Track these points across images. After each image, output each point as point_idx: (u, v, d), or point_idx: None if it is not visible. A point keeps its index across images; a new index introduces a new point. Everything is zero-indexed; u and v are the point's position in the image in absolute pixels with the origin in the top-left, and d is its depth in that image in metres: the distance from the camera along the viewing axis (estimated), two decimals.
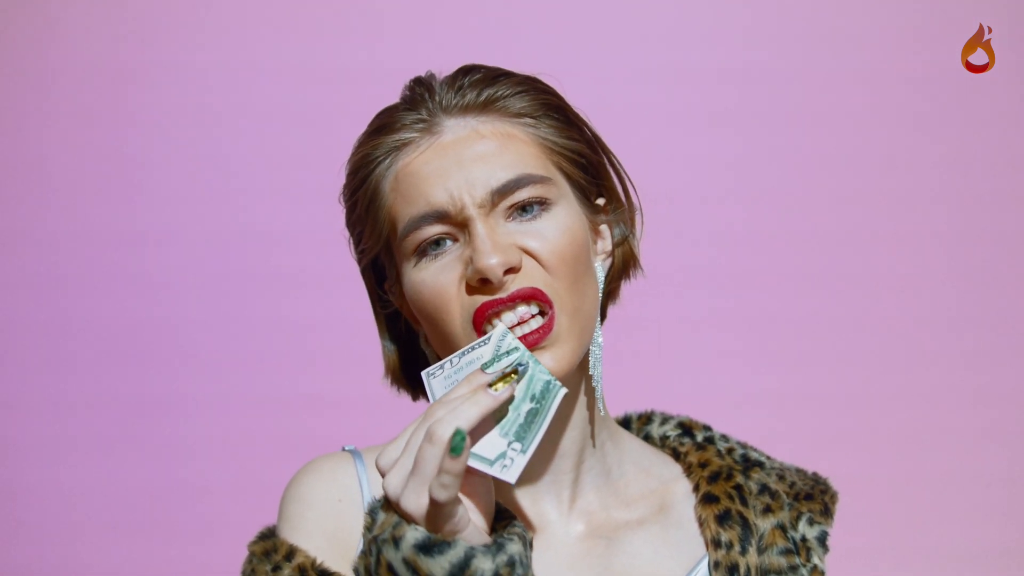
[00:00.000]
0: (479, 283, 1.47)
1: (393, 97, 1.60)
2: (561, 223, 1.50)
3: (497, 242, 1.47)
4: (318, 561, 1.51)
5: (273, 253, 2.70)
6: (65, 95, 2.70)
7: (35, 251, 2.71)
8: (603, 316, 1.60)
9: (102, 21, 2.68)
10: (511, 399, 1.41)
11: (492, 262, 1.46)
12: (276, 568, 1.52)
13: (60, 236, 2.71)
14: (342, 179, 1.60)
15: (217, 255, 2.71)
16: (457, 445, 1.34)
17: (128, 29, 2.68)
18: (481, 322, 1.47)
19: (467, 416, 1.36)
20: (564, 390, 1.42)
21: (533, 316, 1.48)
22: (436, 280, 1.49)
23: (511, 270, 1.47)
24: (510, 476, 1.38)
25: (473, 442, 1.39)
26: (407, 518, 1.38)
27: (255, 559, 1.54)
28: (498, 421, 1.41)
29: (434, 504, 1.35)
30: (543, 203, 1.50)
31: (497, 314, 1.47)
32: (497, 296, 1.47)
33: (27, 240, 2.71)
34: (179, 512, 2.69)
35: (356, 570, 1.42)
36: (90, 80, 2.70)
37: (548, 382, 1.42)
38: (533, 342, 1.46)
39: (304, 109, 2.70)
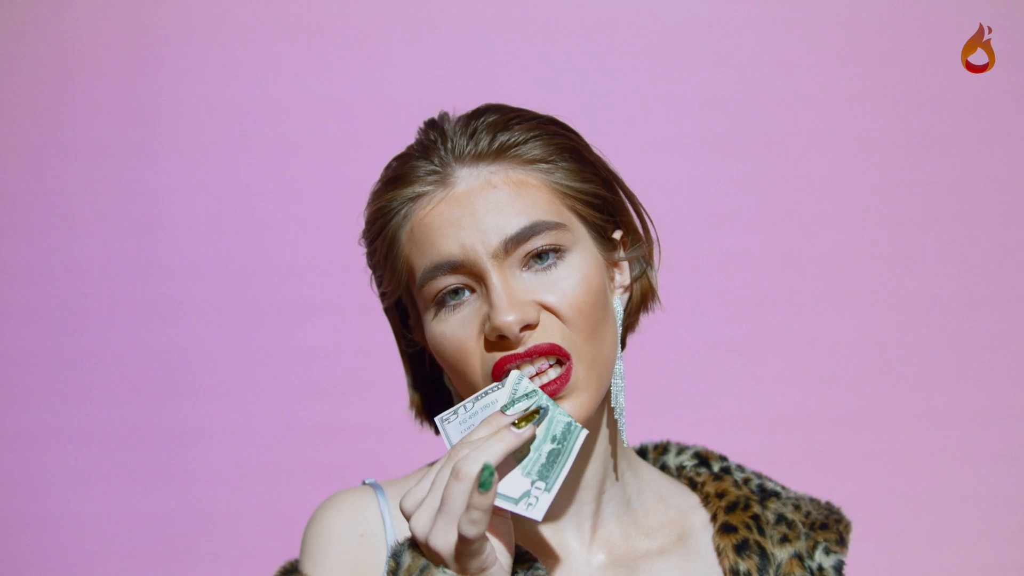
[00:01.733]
0: (497, 338, 1.49)
1: (408, 133, 1.61)
2: (577, 272, 1.51)
3: (514, 297, 1.48)
4: None
5: (289, 283, 2.70)
6: (88, 128, 2.69)
7: (53, 282, 2.71)
8: (623, 345, 1.61)
9: (127, 54, 2.68)
10: (533, 438, 1.43)
11: (509, 319, 1.47)
12: None
13: (78, 267, 2.71)
14: (359, 210, 1.61)
15: (233, 285, 2.71)
16: (486, 480, 1.36)
17: (152, 62, 2.68)
18: (500, 376, 1.49)
19: (492, 453, 1.38)
20: (585, 432, 1.44)
21: (551, 366, 1.49)
22: (456, 335, 1.51)
23: (528, 326, 1.49)
24: (536, 514, 1.41)
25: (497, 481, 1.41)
26: (435, 557, 1.39)
27: None
28: (519, 461, 1.43)
29: (463, 541, 1.37)
30: (558, 250, 1.51)
31: (517, 367, 1.49)
32: (515, 351, 1.48)
33: (46, 271, 2.71)
34: (193, 541, 2.69)
35: None
36: (112, 113, 2.70)
37: (568, 423, 1.44)
38: (552, 392, 1.48)
39: (321, 142, 2.70)
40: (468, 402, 1.48)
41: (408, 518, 1.41)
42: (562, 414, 1.44)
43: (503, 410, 1.44)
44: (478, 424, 1.45)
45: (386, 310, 1.64)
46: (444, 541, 1.38)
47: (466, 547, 1.38)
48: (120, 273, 2.71)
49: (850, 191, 2.70)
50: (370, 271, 1.62)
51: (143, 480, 2.70)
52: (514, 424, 1.42)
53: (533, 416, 1.43)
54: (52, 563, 2.70)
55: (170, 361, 2.71)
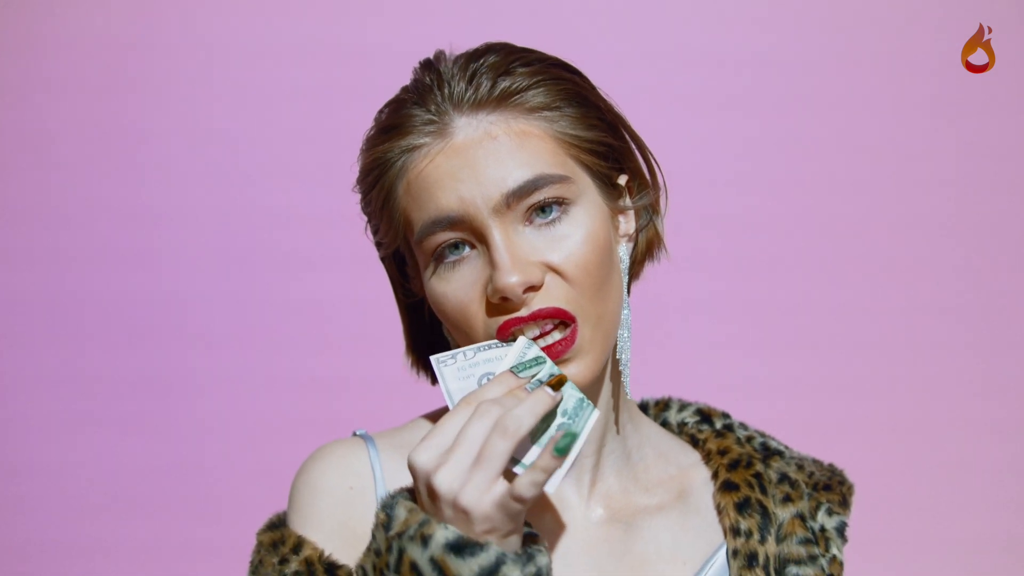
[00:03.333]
0: (500, 300, 1.44)
1: (403, 76, 1.57)
2: (583, 227, 1.47)
3: (516, 256, 1.44)
4: (326, 554, 1.48)
5: (286, 233, 2.68)
6: (73, 72, 2.67)
7: (44, 228, 2.69)
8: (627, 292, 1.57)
9: None
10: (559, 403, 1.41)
11: (512, 280, 1.43)
12: (283, 561, 1.48)
13: (69, 214, 2.69)
14: (356, 160, 1.56)
15: (229, 234, 2.70)
16: (566, 446, 1.33)
17: (137, 4, 2.66)
18: (505, 339, 1.45)
19: (535, 413, 1.35)
20: (598, 413, 1.42)
21: (555, 327, 1.46)
22: (457, 297, 1.47)
23: (531, 287, 1.44)
24: (548, 486, 1.37)
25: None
26: (460, 514, 1.34)
27: (263, 549, 1.51)
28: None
29: (520, 500, 1.33)
30: (562, 203, 1.46)
31: (521, 331, 1.45)
32: (518, 315, 1.44)
33: (36, 217, 2.69)
34: (187, 492, 2.68)
35: (362, 567, 1.38)
36: (98, 55, 2.68)
37: (580, 399, 1.41)
38: (556, 354, 1.44)
39: (317, 89, 2.68)
40: (469, 350, 1.44)
41: (429, 472, 1.35)
42: (573, 389, 1.41)
43: (516, 372, 1.41)
44: (488, 380, 1.41)
45: (383, 259, 1.59)
46: (478, 499, 1.33)
47: (522, 505, 1.34)
48: (112, 220, 2.69)
49: (844, 160, 2.70)
50: (365, 218, 1.58)
51: (136, 430, 2.69)
52: (550, 386, 1.39)
53: (564, 381, 1.40)
54: (43, 512, 2.69)
55: (163, 310, 2.69)
